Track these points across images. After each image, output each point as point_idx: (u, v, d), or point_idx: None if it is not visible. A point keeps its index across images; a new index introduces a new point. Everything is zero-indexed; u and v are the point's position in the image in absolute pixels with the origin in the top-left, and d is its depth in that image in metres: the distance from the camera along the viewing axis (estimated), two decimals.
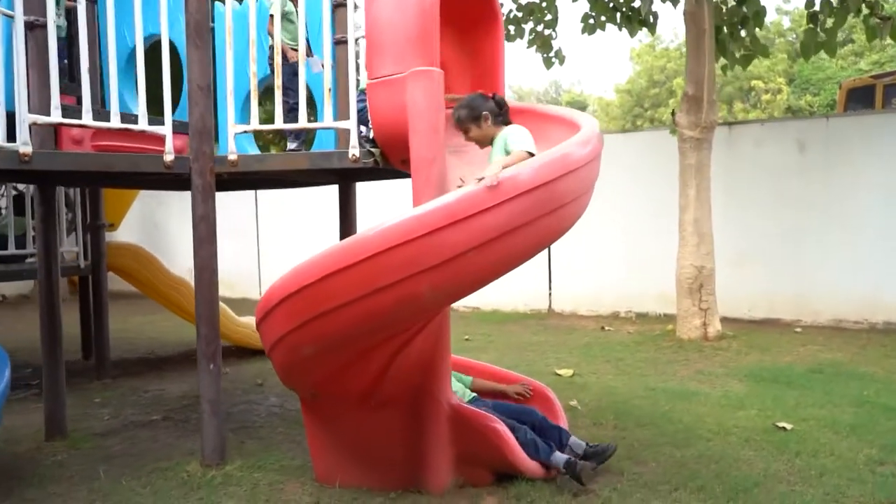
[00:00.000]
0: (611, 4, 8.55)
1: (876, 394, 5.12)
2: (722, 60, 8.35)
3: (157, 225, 13.42)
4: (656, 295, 8.86)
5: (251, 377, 6.30)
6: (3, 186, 6.48)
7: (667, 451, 4.01)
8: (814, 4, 7.41)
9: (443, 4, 3.48)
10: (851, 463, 3.76)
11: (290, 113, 4.34)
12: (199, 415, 5.06)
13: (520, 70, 56.47)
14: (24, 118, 3.34)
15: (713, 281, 7.17)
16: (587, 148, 3.22)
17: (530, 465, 3.48)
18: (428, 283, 2.78)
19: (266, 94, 5.01)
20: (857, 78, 13.00)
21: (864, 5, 7.14)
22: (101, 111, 4.16)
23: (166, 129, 3.78)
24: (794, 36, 26.28)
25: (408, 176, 3.48)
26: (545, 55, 9.51)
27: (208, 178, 3.86)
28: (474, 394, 4.00)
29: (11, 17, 3.39)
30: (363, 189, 6.08)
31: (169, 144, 3.78)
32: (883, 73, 12.85)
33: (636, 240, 9.27)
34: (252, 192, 11.95)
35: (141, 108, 3.71)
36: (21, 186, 6.38)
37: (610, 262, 9.49)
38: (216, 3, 4.44)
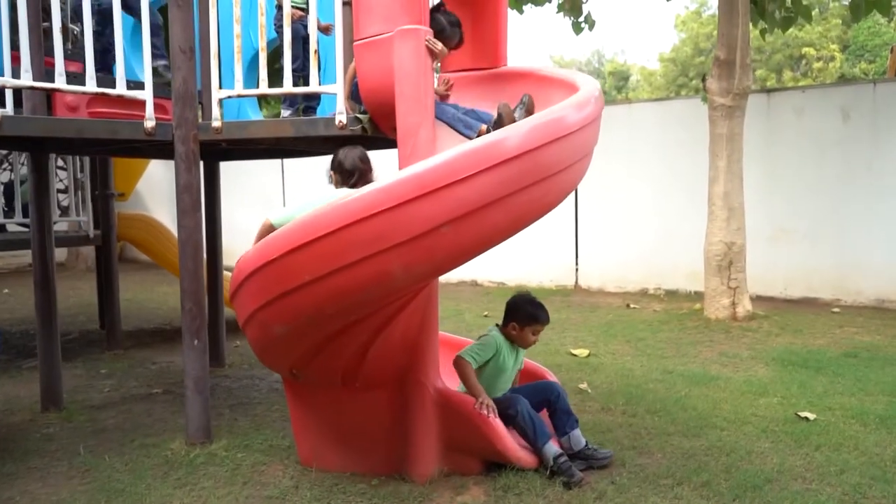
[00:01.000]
0: None
1: None
2: (761, 24, 7.86)
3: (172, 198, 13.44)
4: (687, 272, 8.49)
5: None
6: (22, 155, 6.45)
7: (675, 441, 3.75)
8: None
9: None
10: (877, 459, 3.45)
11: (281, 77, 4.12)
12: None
13: (562, 39, 55.27)
14: None
15: (743, 258, 6.77)
16: (583, 111, 2.93)
17: (520, 455, 3.27)
18: (398, 261, 2.55)
19: (275, 56, 4.82)
20: None
21: None
22: (104, 77, 4.02)
23: (146, 94, 3.60)
24: None
25: None
26: (574, 20, 9.09)
27: (191, 145, 3.68)
28: None
29: None
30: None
31: (149, 110, 3.61)
32: None
33: (667, 213, 8.89)
34: (279, 160, 11.84)
35: (119, 71, 3.53)
36: None
37: (639, 237, 9.13)
38: None
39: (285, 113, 4.76)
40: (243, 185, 12.02)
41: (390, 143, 3.97)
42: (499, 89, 3.91)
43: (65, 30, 3.88)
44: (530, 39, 62.06)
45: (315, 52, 3.58)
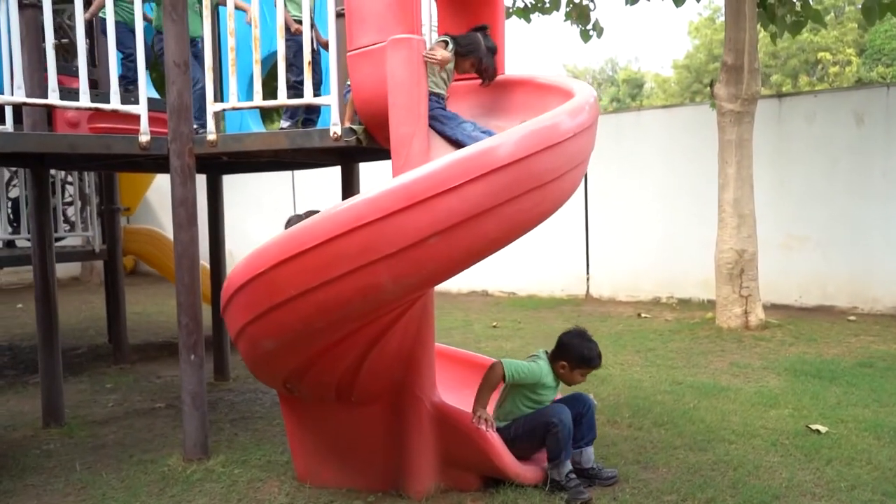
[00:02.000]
0: None
1: None
2: (771, 28, 7.76)
3: (202, 208, 13.51)
4: (700, 280, 8.37)
5: None
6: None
7: (681, 455, 3.65)
8: None
9: None
10: (890, 474, 3.33)
11: (292, 90, 4.10)
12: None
13: (575, 48, 55.25)
14: None
15: (755, 266, 6.65)
16: (577, 118, 2.87)
17: (519, 471, 3.19)
18: (387, 273, 2.50)
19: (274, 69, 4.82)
20: None
21: None
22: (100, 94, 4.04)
23: (141, 109, 3.59)
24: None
25: None
26: (582, 27, 9.04)
27: (187, 159, 3.66)
28: None
29: None
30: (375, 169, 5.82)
31: (144, 124, 3.60)
32: None
33: (678, 221, 8.78)
34: (289, 172, 11.88)
35: (113, 86, 3.53)
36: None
37: (651, 245, 9.02)
38: None
39: (284, 125, 4.75)
40: (254, 196, 12.07)
41: (387, 154, 3.94)
42: (498, 97, 3.87)
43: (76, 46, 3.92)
44: (543, 48, 62.11)
45: (309, 63, 3.55)
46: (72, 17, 7.23)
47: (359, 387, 3.18)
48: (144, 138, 3.60)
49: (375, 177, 4.16)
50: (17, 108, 3.99)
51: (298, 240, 2.52)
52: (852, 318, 7.37)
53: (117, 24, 5.25)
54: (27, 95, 3.77)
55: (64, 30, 8.78)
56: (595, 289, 9.51)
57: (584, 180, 9.51)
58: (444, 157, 2.56)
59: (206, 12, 3.66)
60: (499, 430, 3.27)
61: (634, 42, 51.64)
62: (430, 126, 3.33)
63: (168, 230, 8.06)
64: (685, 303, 8.63)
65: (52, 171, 6.51)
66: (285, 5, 4.23)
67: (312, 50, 3.92)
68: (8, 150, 3.32)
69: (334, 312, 2.61)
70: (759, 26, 8.02)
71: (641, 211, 9.08)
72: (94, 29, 5.79)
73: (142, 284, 12.37)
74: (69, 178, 7.09)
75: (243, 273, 2.72)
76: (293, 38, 4.29)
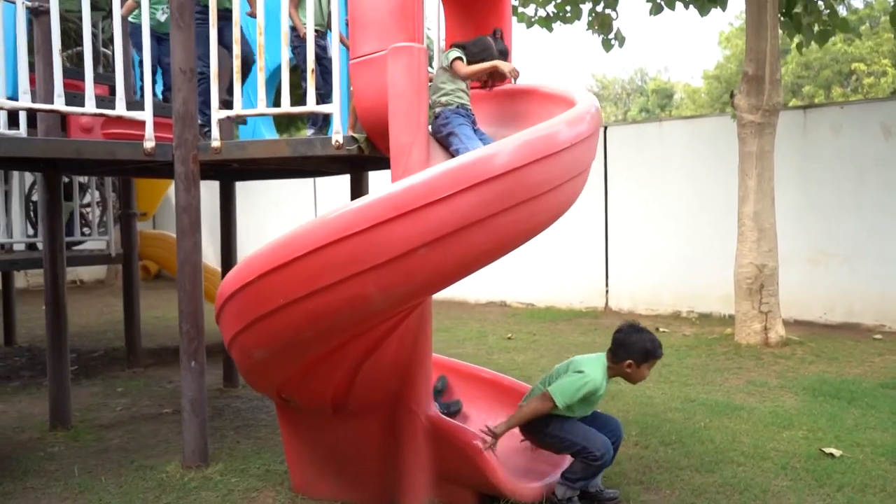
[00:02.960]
0: None
1: None
2: (797, 37, 7.61)
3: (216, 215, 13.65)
4: (721, 294, 8.18)
5: None
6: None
7: (686, 476, 3.54)
8: None
9: None
10: None
11: (306, 97, 4.10)
12: (210, 409, 5.00)
13: (604, 58, 54.94)
14: None
15: (775, 281, 6.48)
16: (577, 127, 2.81)
17: (514, 488, 3.12)
18: (375, 283, 2.46)
19: (294, 76, 4.84)
20: None
21: None
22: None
23: (146, 115, 3.61)
24: None
25: None
26: (604, 37, 8.96)
27: (191, 165, 3.67)
28: None
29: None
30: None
31: (149, 131, 3.61)
32: None
33: (699, 233, 8.62)
34: (311, 179, 11.94)
35: (118, 92, 3.55)
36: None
37: (671, 258, 8.87)
38: None
39: (309, 132, 4.74)
40: (275, 201, 12.16)
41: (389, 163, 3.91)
42: (505, 106, 3.83)
43: (96, 53, 3.98)
44: (572, 58, 61.90)
45: (312, 71, 3.54)
46: (96, 24, 7.38)
47: (354, 398, 3.14)
48: (149, 144, 3.62)
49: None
50: (32, 113, 4.05)
51: (287, 248, 2.49)
52: (878, 336, 7.15)
53: (135, 28, 5.33)
54: (42, 101, 3.84)
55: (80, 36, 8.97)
56: (614, 301, 9.37)
57: (604, 191, 9.41)
58: (436, 167, 2.52)
59: (213, 20, 3.65)
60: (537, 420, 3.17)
61: (664, 52, 51.20)
62: (449, 141, 3.30)
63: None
64: (706, 317, 8.46)
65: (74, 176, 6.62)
66: (292, 12, 4.27)
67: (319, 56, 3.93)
68: (13, 154, 3.36)
69: (323, 322, 2.57)
70: (784, 35, 7.88)
71: (663, 223, 8.94)
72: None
73: (164, 289, 12.49)
74: (88, 183, 7.21)
75: (234, 281, 2.70)
76: (300, 47, 4.29)
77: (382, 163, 4.30)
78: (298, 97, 3.79)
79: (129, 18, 5.16)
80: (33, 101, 3.91)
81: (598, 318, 8.95)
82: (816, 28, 7.58)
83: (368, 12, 3.24)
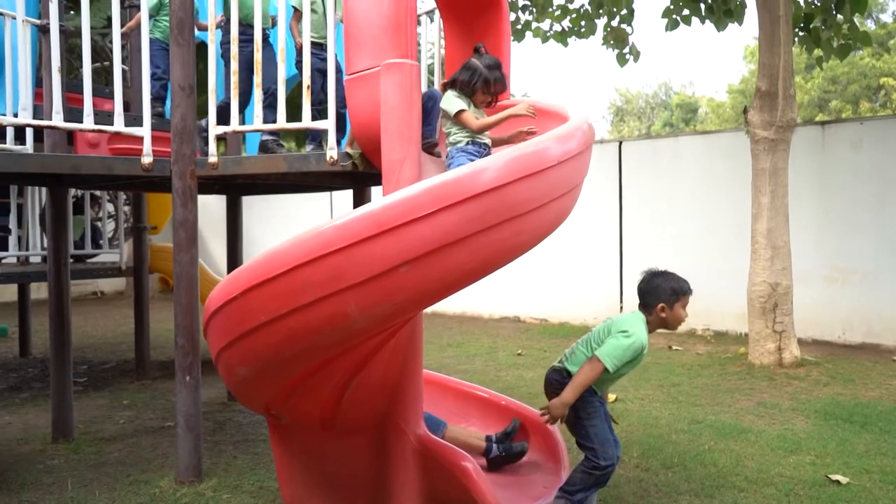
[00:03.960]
0: None
1: None
2: (816, 52, 7.49)
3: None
4: (736, 312, 8.02)
5: None
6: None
7: (685, 501, 3.45)
8: None
9: None
10: None
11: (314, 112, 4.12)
12: (210, 423, 5.00)
13: (627, 72, 54.77)
14: None
15: (790, 300, 6.34)
16: (566, 144, 2.76)
17: None
18: (355, 302, 2.42)
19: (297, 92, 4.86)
20: None
21: None
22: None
23: (144, 131, 3.63)
24: None
25: None
26: (619, 51, 8.92)
27: (188, 181, 3.69)
28: None
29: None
30: None
31: (147, 146, 3.64)
32: None
33: (714, 250, 8.48)
34: (328, 193, 12.01)
35: (117, 108, 3.58)
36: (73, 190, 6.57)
37: (686, 274, 8.65)
38: None
39: (308, 148, 4.76)
40: (290, 213, 12.22)
41: None
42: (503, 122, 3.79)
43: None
44: (596, 72, 61.76)
45: (307, 87, 3.54)
46: (112, 40, 7.52)
47: (343, 417, 3.11)
48: (147, 160, 3.64)
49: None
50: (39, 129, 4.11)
51: (268, 265, 2.47)
52: None
53: (153, 41, 5.40)
54: (49, 117, 3.89)
55: (106, 53, 9.13)
56: None
57: (618, 206, 9.31)
58: (417, 184, 2.49)
59: (211, 35, 3.68)
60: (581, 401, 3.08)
61: (689, 66, 50.88)
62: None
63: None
64: (721, 335, 8.31)
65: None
66: (293, 26, 4.28)
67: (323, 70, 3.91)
68: (10, 169, 3.40)
69: (304, 340, 2.54)
70: (802, 51, 7.77)
71: (677, 239, 8.81)
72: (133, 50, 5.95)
73: None
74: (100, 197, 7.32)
75: (219, 297, 2.69)
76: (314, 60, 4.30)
77: (367, 179, 4.31)
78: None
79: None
80: (39, 116, 3.98)
81: None
82: (836, 42, 7.46)
83: (363, 29, 3.23)
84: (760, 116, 6.20)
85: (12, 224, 6.06)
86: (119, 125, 3.57)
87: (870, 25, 24.64)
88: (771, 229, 6.26)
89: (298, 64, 4.59)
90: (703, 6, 7.93)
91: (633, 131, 39.14)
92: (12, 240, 6.20)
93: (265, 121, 3.73)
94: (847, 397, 5.41)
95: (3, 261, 6.41)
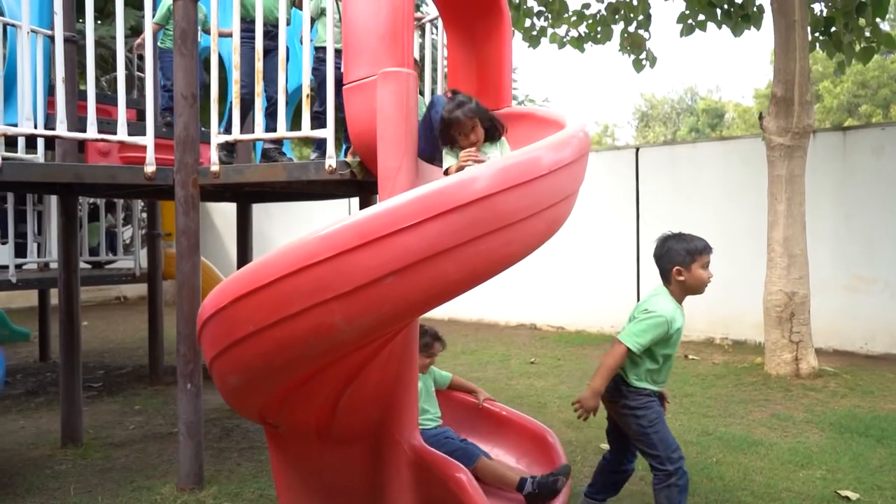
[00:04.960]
0: (707, 0, 7.76)
1: None
2: (837, 56, 7.36)
3: (262, 234, 13.90)
4: (755, 321, 7.86)
5: None
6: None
7: None
8: None
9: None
10: None
11: (315, 120, 4.13)
12: (217, 430, 5.03)
13: (653, 77, 54.33)
14: None
15: (807, 310, 6.21)
16: (560, 152, 2.72)
17: None
18: (341, 312, 2.41)
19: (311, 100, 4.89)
20: None
21: None
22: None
23: (147, 140, 3.67)
24: None
25: None
26: (636, 57, 8.84)
27: (191, 189, 3.72)
28: None
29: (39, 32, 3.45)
30: None
31: (150, 155, 3.68)
32: None
33: (732, 258, 8.33)
34: (346, 200, 12.06)
35: (120, 117, 3.62)
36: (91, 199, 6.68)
37: None
38: None
39: (312, 156, 4.78)
40: (308, 220, 12.31)
41: None
42: None
43: (130, 78, 4.09)
44: (621, 77, 61.37)
45: (307, 96, 3.55)
46: (132, 49, 7.63)
47: (337, 426, 3.09)
48: (150, 169, 3.68)
49: None
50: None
51: (256, 276, 2.47)
52: None
53: (164, 52, 5.47)
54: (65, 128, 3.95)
55: (127, 62, 9.26)
56: None
57: (635, 214, 9.22)
58: (403, 194, 2.47)
59: (213, 45, 3.71)
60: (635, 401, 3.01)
61: (715, 71, 50.31)
62: None
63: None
64: (739, 345, 8.17)
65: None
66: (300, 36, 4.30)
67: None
68: (15, 179, 3.46)
69: (291, 350, 2.53)
70: (822, 55, 7.63)
71: None
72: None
73: None
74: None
75: (210, 306, 2.69)
76: (319, 69, 4.32)
77: (365, 187, 4.29)
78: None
79: (158, 44, 5.30)
80: (52, 125, 4.04)
81: None
82: (859, 46, 7.32)
83: (360, 38, 3.23)
84: (776, 123, 6.10)
85: (33, 230, 6.17)
86: (122, 135, 3.61)
87: (861, 22, 24.15)
88: (787, 237, 6.14)
89: (315, 71, 4.62)
90: (719, 12, 7.83)
91: (658, 136, 38.80)
92: (33, 246, 6.32)
93: (267, 129, 3.74)
94: (864, 410, 5.27)
95: (24, 267, 6.53)
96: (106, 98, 5.30)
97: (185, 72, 3.71)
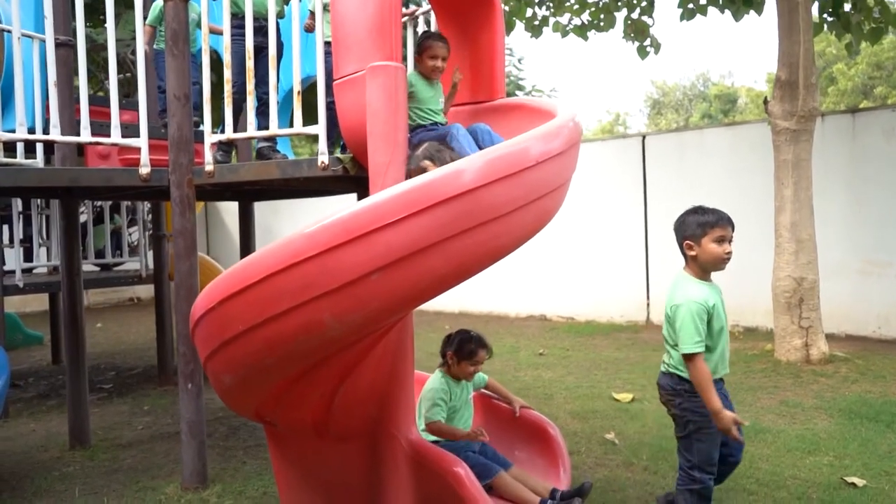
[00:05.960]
0: None
1: None
2: (846, 37, 7.24)
3: (269, 230, 13.95)
4: (766, 308, 7.77)
5: None
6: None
7: None
8: None
9: None
10: None
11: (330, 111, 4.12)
12: (224, 428, 5.06)
13: (665, 63, 53.89)
14: None
15: (816, 295, 6.13)
16: (549, 143, 2.69)
17: None
18: (329, 310, 2.40)
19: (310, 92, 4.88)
20: None
21: None
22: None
23: (141, 142, 3.68)
24: None
25: None
26: (640, 44, 8.76)
27: (186, 189, 3.72)
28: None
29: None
30: None
31: (144, 157, 3.68)
32: None
33: (742, 244, 8.17)
34: (355, 195, 12.06)
35: (114, 120, 3.63)
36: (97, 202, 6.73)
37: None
38: None
39: None
40: (316, 217, 12.32)
41: None
42: (495, 122, 3.74)
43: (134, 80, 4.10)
44: (631, 65, 60.88)
45: (298, 93, 3.54)
46: (135, 51, 7.66)
47: (334, 423, 3.09)
48: (145, 170, 3.69)
49: None
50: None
51: (243, 275, 2.47)
52: None
53: (160, 52, 5.47)
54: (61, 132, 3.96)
55: (127, 65, 9.32)
56: (656, 315, 9.07)
57: (643, 202, 9.14)
58: (387, 189, 2.46)
59: (205, 45, 3.71)
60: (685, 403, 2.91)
61: (727, 57, 49.79)
62: None
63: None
64: (751, 332, 8.10)
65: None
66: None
67: None
68: (9, 184, 3.48)
69: (281, 348, 2.53)
70: (828, 35, 7.50)
71: None
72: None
73: None
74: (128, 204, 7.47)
75: (201, 305, 2.69)
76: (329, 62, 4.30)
77: (358, 182, 4.27)
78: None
79: (154, 46, 5.31)
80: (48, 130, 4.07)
81: (639, 332, 8.68)
82: (867, 26, 7.20)
83: (349, 33, 3.21)
84: (781, 107, 6.01)
85: (38, 234, 6.23)
86: (116, 137, 3.62)
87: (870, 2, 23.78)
88: (794, 222, 6.06)
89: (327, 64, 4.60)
90: None
91: (670, 124, 38.47)
92: (40, 251, 6.38)
93: (259, 127, 3.74)
94: (875, 395, 5.20)
95: (32, 271, 6.59)
96: (107, 101, 5.32)
97: (177, 72, 3.71)
